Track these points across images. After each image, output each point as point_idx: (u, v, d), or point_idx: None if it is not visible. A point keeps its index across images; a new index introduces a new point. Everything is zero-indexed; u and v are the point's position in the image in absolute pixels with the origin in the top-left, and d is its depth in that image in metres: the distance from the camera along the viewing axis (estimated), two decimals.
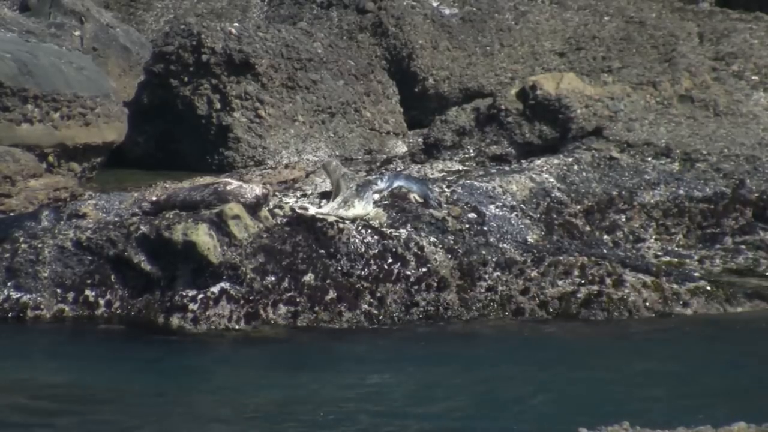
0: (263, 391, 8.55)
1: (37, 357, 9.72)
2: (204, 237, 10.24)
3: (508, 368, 9.25)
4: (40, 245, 10.57)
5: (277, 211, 11.29)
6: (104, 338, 10.11)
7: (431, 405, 8.20)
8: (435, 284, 10.66)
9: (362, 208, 11.24)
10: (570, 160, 13.80)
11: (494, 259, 10.99)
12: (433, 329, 10.37)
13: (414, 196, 11.77)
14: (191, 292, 10.25)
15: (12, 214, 12.39)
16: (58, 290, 10.36)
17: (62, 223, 11.11)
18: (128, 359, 9.54)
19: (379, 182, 11.89)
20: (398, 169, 14.17)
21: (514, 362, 9.41)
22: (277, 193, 12.04)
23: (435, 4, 18.81)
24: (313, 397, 8.32)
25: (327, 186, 11.77)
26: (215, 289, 10.26)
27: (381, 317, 10.41)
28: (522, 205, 12.25)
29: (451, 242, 11.06)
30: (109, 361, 9.50)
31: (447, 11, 18.75)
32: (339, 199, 11.14)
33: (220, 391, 8.64)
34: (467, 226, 11.49)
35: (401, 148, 16.79)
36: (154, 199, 11.27)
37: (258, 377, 9.04)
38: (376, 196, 11.68)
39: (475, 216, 11.72)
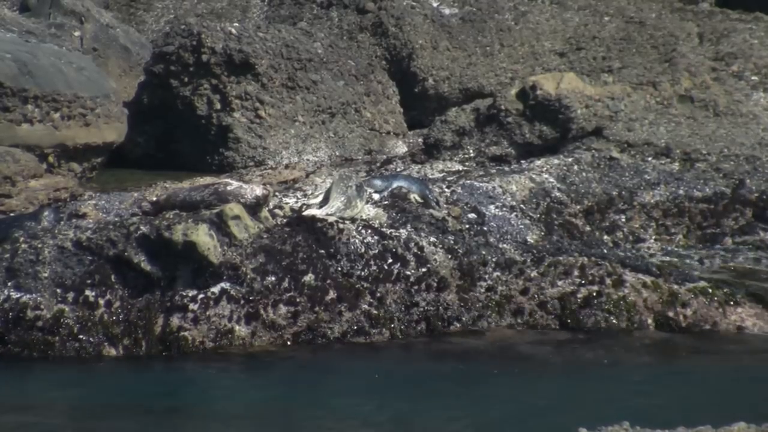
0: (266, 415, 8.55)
1: (38, 381, 9.70)
2: (204, 237, 10.23)
3: (506, 381, 9.26)
4: (40, 245, 10.56)
5: (277, 211, 11.30)
6: (104, 356, 10.06)
7: (432, 422, 8.22)
8: (435, 284, 10.64)
9: (363, 207, 11.26)
10: (570, 160, 13.80)
11: (494, 260, 10.99)
12: (431, 345, 10.29)
13: (414, 197, 11.78)
14: (191, 293, 10.24)
15: (12, 214, 12.40)
16: (58, 290, 10.35)
17: (62, 223, 11.10)
18: (128, 380, 9.54)
19: (378, 182, 11.91)
20: (398, 170, 14.18)
21: (512, 375, 9.43)
22: (277, 194, 12.04)
23: (435, 4, 18.81)
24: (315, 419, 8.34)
25: (326, 187, 11.76)
26: (215, 289, 10.26)
27: (381, 317, 10.41)
28: (522, 206, 12.25)
29: (451, 242, 11.06)
30: (110, 382, 9.53)
31: (447, 11, 18.75)
32: (343, 198, 11.14)
33: (220, 414, 8.65)
34: (467, 226, 11.49)
35: (401, 148, 16.79)
36: (154, 199, 11.27)
37: (259, 399, 9.00)
38: (377, 196, 11.69)
39: (475, 216, 11.73)
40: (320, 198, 11.53)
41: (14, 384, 9.49)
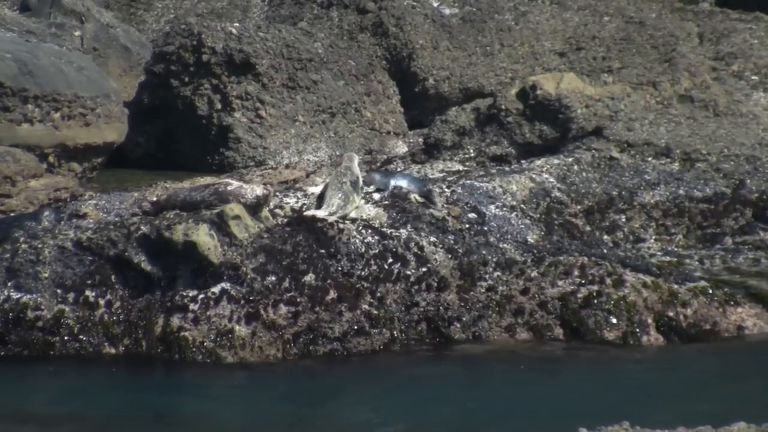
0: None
1: (38, 381, 9.68)
2: (204, 237, 10.23)
3: (506, 382, 9.26)
4: (40, 245, 10.57)
5: (277, 211, 11.30)
6: (105, 367, 10.01)
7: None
8: (435, 284, 10.64)
9: (361, 202, 11.27)
10: (570, 160, 13.81)
11: (494, 259, 10.98)
12: (430, 347, 10.26)
13: (414, 196, 11.79)
14: (192, 293, 10.24)
15: (12, 214, 12.40)
16: (59, 290, 10.35)
17: (62, 223, 11.11)
18: (128, 381, 9.53)
19: (377, 177, 11.93)
20: (398, 170, 14.19)
21: (512, 376, 9.43)
22: (277, 194, 12.05)
23: (435, 4, 18.82)
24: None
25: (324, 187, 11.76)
26: (216, 289, 10.25)
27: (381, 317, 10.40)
28: (522, 205, 12.26)
29: (451, 242, 11.06)
30: (110, 383, 9.52)
31: (447, 11, 18.76)
32: (340, 195, 11.13)
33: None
34: (467, 226, 11.50)
35: (401, 148, 16.80)
36: (154, 199, 11.27)
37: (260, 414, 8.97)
38: (377, 196, 11.70)
39: (475, 216, 11.73)
40: (318, 193, 11.51)
41: (14, 384, 9.48)
